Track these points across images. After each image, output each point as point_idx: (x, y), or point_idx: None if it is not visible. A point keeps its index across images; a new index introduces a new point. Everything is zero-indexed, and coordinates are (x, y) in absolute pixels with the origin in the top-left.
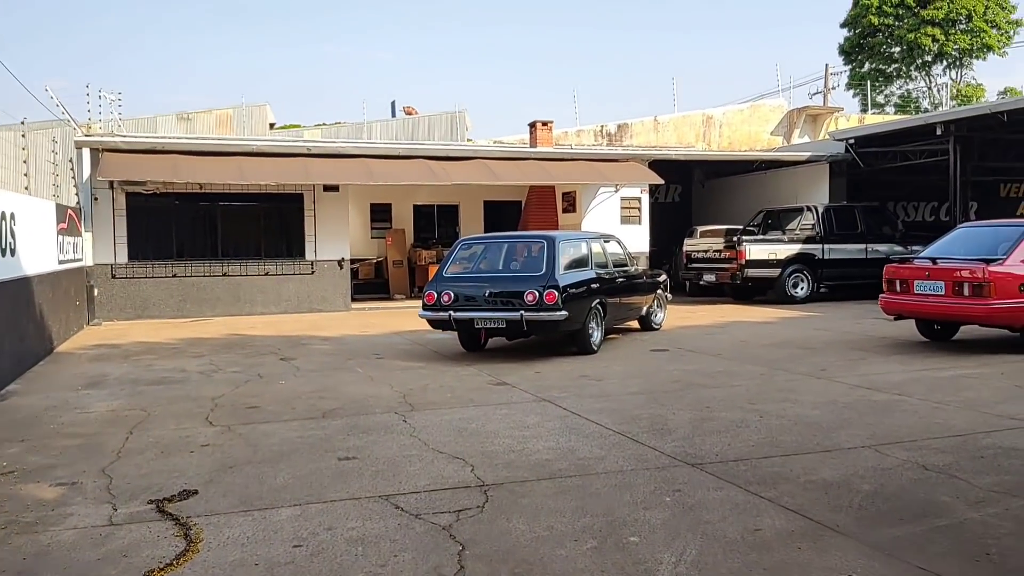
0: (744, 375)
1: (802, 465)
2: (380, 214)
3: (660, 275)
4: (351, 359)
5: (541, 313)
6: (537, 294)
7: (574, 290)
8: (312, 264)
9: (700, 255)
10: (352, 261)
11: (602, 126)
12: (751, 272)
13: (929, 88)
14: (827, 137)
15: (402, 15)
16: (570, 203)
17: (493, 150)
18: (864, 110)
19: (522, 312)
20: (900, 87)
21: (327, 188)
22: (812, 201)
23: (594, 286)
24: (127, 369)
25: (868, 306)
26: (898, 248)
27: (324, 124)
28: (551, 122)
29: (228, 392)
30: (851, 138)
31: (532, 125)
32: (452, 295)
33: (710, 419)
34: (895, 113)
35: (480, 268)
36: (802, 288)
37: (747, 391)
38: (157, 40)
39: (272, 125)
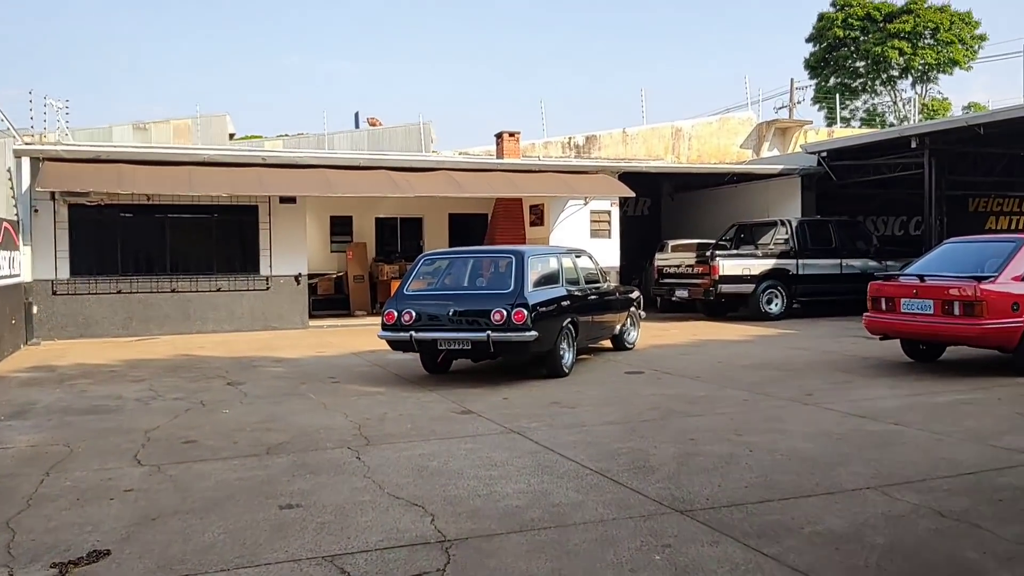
0: (726, 401)
1: (804, 512)
2: (340, 227)
3: (633, 291)
4: (304, 383)
5: (509, 333)
6: (505, 313)
7: (544, 308)
8: (267, 279)
9: (672, 270)
10: (310, 276)
11: (570, 138)
12: (725, 288)
13: (895, 102)
14: (798, 150)
15: (367, 27)
16: (538, 216)
17: (459, 161)
18: (830, 124)
19: (489, 332)
20: (865, 101)
21: (284, 200)
22: (784, 215)
23: (565, 304)
24: (59, 396)
25: (844, 323)
26: (873, 263)
27: (286, 135)
28: (518, 133)
29: (164, 423)
30: (824, 151)
31: (499, 136)
32: (414, 314)
33: (696, 454)
34: (860, 127)
35: (444, 285)
36: (776, 304)
37: (732, 420)
38: (117, 50)
39: (232, 136)
